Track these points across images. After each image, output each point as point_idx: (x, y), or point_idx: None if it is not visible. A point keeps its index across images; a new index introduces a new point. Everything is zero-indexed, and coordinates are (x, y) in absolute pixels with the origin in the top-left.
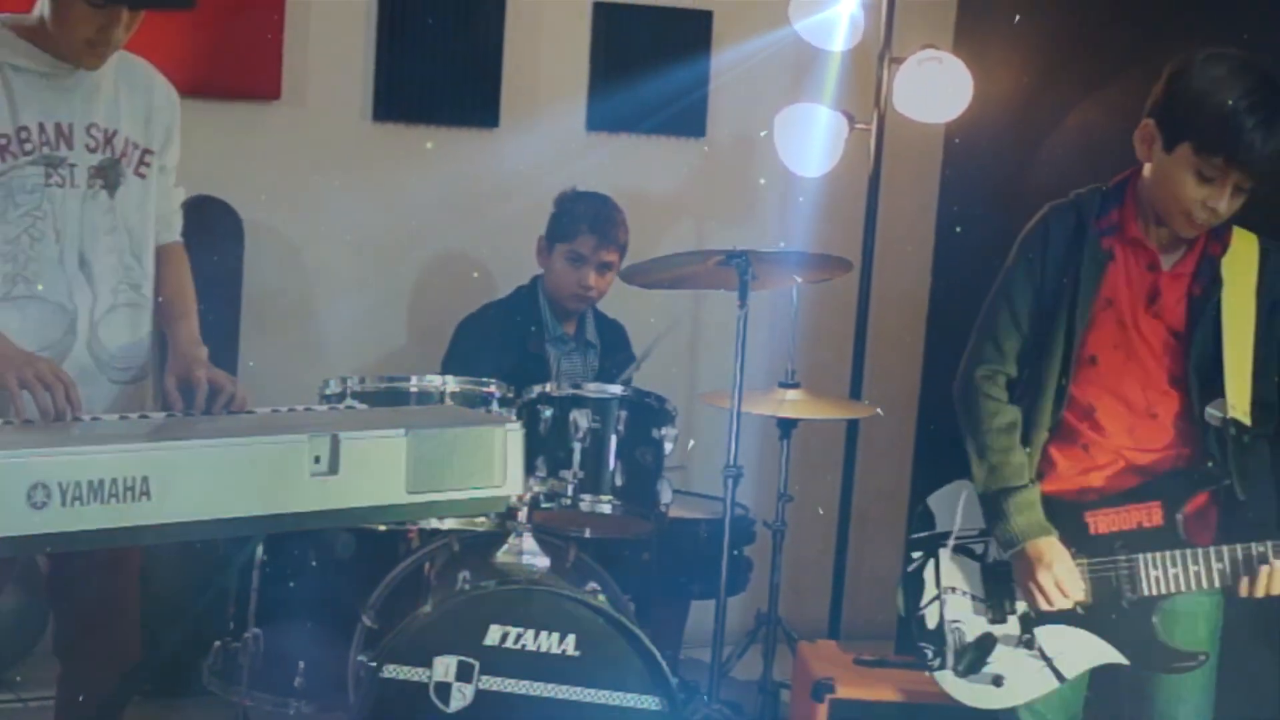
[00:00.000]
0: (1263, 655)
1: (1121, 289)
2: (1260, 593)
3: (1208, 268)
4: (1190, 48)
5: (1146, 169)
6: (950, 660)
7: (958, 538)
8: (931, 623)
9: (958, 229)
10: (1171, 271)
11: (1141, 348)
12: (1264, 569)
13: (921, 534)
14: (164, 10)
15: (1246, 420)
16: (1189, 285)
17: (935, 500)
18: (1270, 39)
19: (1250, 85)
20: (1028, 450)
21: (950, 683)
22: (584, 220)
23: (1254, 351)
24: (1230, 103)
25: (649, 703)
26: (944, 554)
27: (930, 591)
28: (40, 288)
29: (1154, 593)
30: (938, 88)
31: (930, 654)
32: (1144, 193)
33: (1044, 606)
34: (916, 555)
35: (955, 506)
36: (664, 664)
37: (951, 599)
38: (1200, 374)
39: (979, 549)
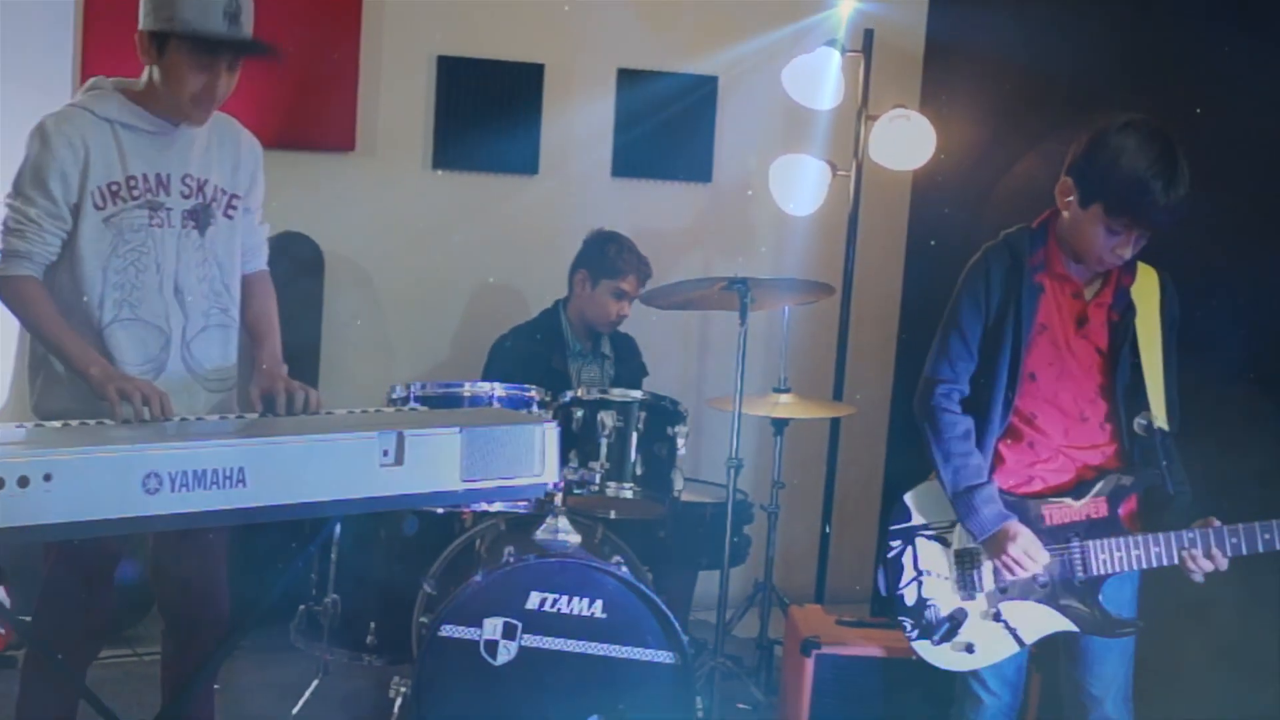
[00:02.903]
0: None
1: (1054, 316)
2: (1200, 571)
3: (1122, 296)
4: (1121, 110)
5: (1065, 215)
6: (927, 632)
7: (932, 528)
8: (910, 600)
9: (925, 255)
10: (1095, 300)
11: (1073, 364)
12: (1198, 546)
13: (900, 525)
14: (251, 57)
15: (1167, 426)
16: (1108, 312)
17: (911, 497)
18: (1193, 104)
19: (1154, 156)
20: (981, 454)
21: (927, 650)
22: (632, 266)
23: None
24: (1137, 173)
25: (664, 657)
26: (920, 542)
27: (909, 574)
28: (141, 311)
29: (1102, 573)
30: (907, 141)
31: (909, 626)
32: (1062, 234)
33: (1019, 574)
34: (895, 544)
35: (929, 502)
36: (677, 624)
37: (928, 580)
38: (1123, 385)
39: (950, 538)
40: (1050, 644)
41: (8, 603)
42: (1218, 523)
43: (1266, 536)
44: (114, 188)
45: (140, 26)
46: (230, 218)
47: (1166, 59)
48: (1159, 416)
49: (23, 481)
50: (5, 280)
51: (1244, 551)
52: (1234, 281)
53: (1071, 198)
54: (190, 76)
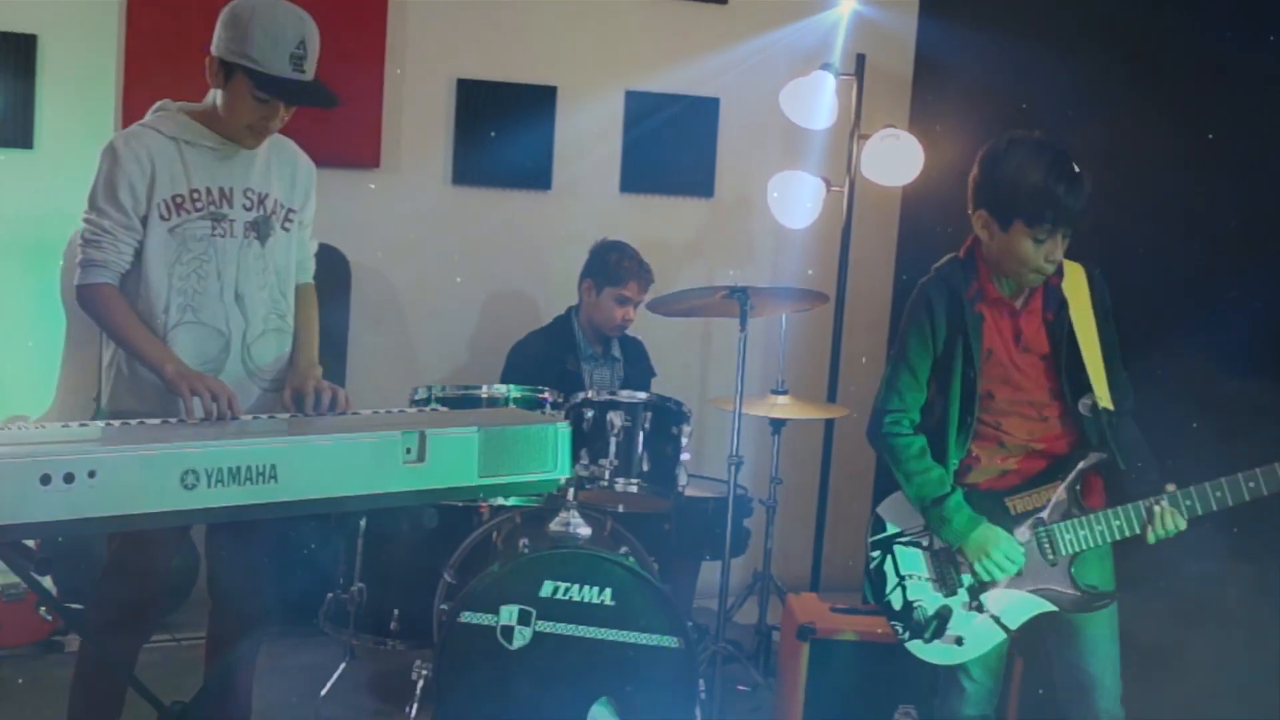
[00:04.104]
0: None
1: (996, 339)
2: (1160, 534)
3: (1053, 296)
4: (1094, 132)
5: (989, 245)
6: (918, 632)
7: (906, 534)
8: (897, 605)
9: (912, 270)
10: (1026, 310)
11: (1020, 378)
12: (1155, 511)
13: (877, 536)
14: (312, 107)
15: (1111, 406)
16: (1043, 315)
17: (883, 508)
18: (1159, 123)
19: (1050, 161)
20: (943, 468)
21: (920, 649)
22: (632, 272)
23: (1101, 352)
24: (1038, 181)
25: (669, 641)
26: (898, 549)
27: (892, 581)
28: (203, 315)
29: (1070, 552)
30: (896, 159)
31: (900, 629)
32: (990, 260)
33: (999, 577)
34: (876, 554)
35: (900, 511)
36: (681, 611)
37: (910, 583)
38: (1070, 380)
39: (925, 541)
40: (1034, 631)
41: (54, 591)
42: (1173, 488)
43: (1218, 494)
44: (178, 200)
45: (213, 51)
46: (287, 230)
47: (1149, 81)
48: (1102, 398)
49: (68, 478)
50: (86, 288)
51: (1199, 512)
52: (1247, 280)
53: (991, 226)
54: (249, 108)
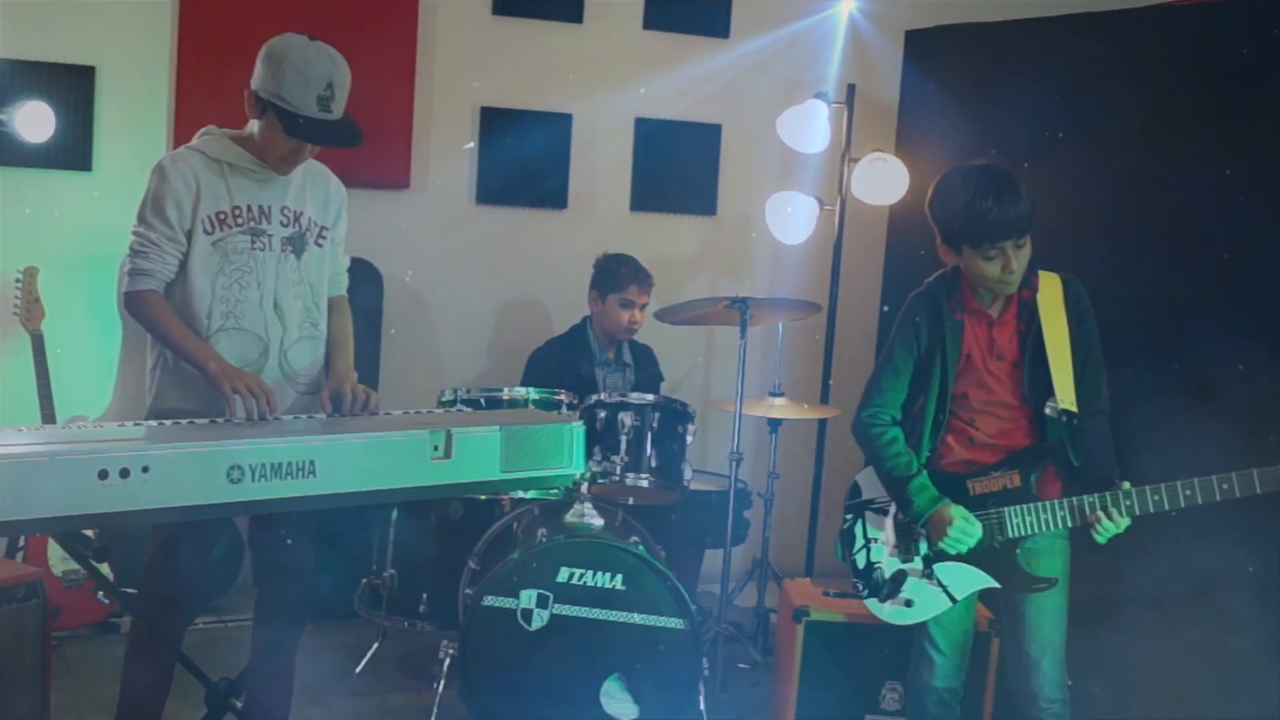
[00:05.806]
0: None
1: (974, 345)
2: (1103, 533)
3: (1025, 309)
4: (1064, 155)
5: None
6: (875, 591)
7: (877, 502)
8: (861, 564)
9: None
10: (1000, 321)
11: (993, 382)
12: (1092, 505)
13: (852, 500)
14: (336, 147)
15: (1074, 408)
16: (1015, 326)
17: (861, 476)
18: (1134, 144)
19: (976, 183)
20: (913, 455)
21: (875, 607)
22: (631, 277)
23: (1072, 357)
24: (970, 204)
25: (675, 623)
26: (868, 514)
27: (859, 542)
28: (244, 322)
29: (1017, 535)
30: (884, 180)
31: (860, 586)
32: (967, 277)
33: (957, 551)
34: (849, 516)
35: (876, 480)
36: (686, 595)
37: (874, 546)
38: (1035, 385)
39: (891, 509)
40: (995, 601)
41: (111, 577)
42: (1125, 486)
43: (1155, 498)
44: (221, 216)
45: (252, 85)
46: (320, 246)
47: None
48: (1065, 400)
49: (124, 473)
50: (134, 295)
51: (1137, 512)
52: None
53: (949, 254)
54: (281, 142)
